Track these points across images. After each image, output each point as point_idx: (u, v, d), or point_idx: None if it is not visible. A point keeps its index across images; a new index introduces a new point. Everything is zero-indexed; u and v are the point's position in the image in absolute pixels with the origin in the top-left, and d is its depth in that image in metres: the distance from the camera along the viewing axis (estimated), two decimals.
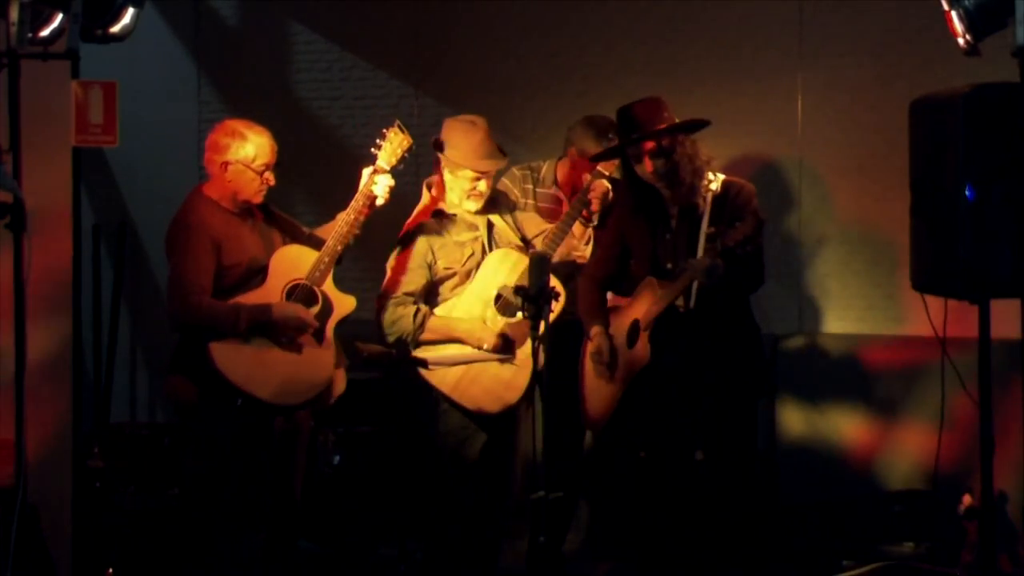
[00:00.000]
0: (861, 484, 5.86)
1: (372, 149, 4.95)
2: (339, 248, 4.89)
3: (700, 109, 4.94)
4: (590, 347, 5.03)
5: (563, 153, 5.60)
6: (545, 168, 5.63)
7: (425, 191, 5.13)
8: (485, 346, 4.97)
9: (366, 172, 4.93)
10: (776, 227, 5.87)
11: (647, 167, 4.81)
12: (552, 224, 5.22)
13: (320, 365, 4.92)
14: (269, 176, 4.91)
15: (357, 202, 4.90)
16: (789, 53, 6.21)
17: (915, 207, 4.17)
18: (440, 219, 5.06)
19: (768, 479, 5.84)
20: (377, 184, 4.89)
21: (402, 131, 4.95)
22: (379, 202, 4.91)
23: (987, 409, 4.03)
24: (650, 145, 4.78)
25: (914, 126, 4.17)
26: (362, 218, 4.90)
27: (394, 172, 4.94)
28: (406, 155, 4.96)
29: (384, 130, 4.96)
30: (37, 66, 4.16)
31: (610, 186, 5.13)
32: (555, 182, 5.60)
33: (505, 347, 4.98)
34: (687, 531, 4.87)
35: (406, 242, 5.06)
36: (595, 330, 5.02)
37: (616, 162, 5.05)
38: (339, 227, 4.89)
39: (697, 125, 4.87)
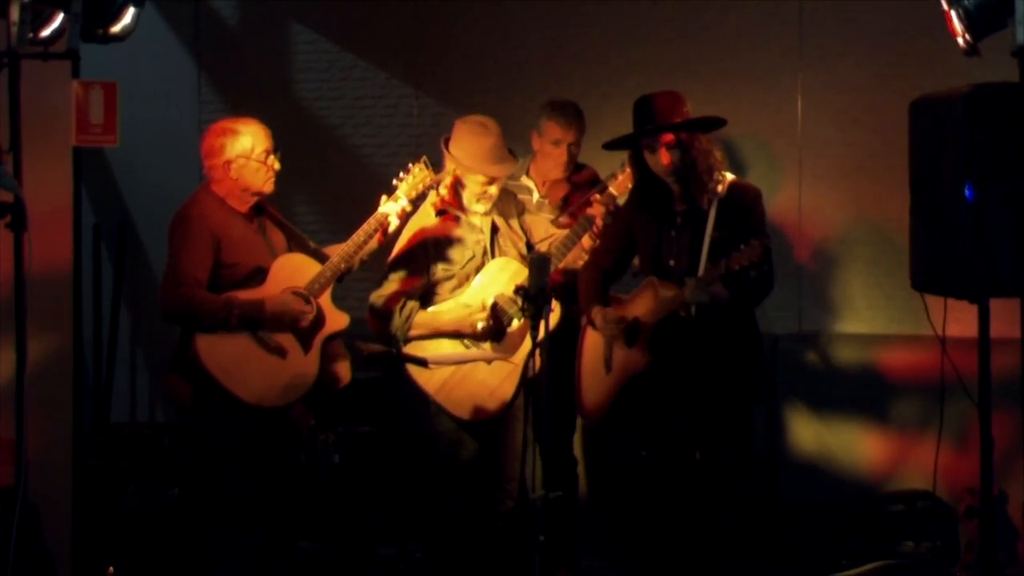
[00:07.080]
0: (861, 484, 5.85)
1: (394, 181, 4.97)
2: (343, 266, 4.90)
3: (700, 109, 4.94)
4: (597, 321, 4.95)
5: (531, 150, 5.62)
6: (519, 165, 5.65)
7: (425, 207, 5.10)
8: (480, 325, 4.94)
9: (383, 201, 4.95)
10: (776, 227, 5.87)
11: (662, 159, 4.78)
12: (558, 232, 5.22)
13: (302, 373, 4.91)
14: (273, 161, 4.92)
15: (369, 225, 4.91)
16: (789, 53, 6.21)
17: (915, 207, 4.17)
18: (443, 219, 5.06)
19: (768, 479, 5.84)
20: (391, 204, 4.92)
21: (427, 167, 4.97)
22: (391, 228, 4.94)
23: (987, 409, 4.03)
24: (668, 137, 4.76)
25: (914, 126, 4.16)
26: (373, 244, 4.93)
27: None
28: (426, 191, 4.98)
29: (409, 164, 4.99)
30: (37, 66, 4.17)
31: (612, 203, 5.10)
32: (527, 173, 5.61)
33: (497, 331, 4.97)
34: (686, 531, 4.86)
35: (407, 239, 5.05)
36: (596, 310, 4.97)
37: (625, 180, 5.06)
38: (346, 246, 4.90)
39: (715, 123, 4.86)
